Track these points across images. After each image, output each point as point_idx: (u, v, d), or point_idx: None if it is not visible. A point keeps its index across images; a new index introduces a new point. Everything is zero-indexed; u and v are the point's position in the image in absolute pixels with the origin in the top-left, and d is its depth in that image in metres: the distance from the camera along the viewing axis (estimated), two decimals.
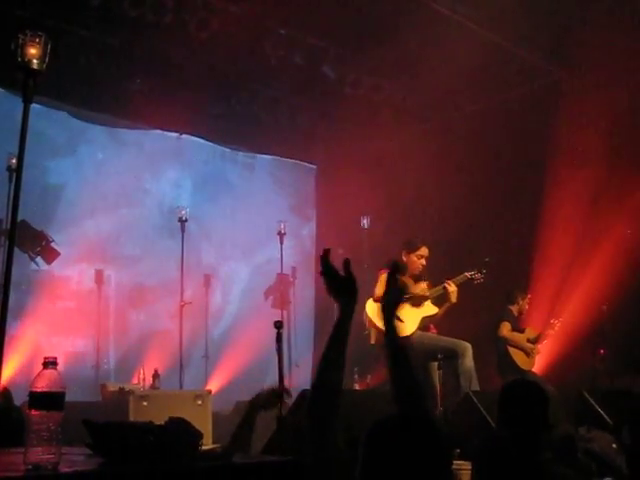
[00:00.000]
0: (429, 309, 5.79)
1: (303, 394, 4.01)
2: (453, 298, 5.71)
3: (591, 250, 7.61)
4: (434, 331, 5.92)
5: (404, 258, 5.90)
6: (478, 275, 5.96)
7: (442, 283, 5.80)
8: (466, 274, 5.93)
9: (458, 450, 3.99)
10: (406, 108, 8.25)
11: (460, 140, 8.18)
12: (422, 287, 5.83)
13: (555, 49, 7.14)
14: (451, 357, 5.51)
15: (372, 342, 5.63)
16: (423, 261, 5.90)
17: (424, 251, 5.91)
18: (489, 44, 6.91)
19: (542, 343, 7.07)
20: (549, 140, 7.71)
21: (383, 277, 5.74)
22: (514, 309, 7.15)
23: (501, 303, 7.13)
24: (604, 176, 7.44)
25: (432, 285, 5.91)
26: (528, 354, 6.98)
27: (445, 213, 7.91)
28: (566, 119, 7.59)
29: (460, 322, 6.14)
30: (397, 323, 2.34)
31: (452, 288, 5.72)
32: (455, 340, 5.65)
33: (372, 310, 5.63)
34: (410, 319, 5.64)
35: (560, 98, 7.69)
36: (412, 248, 5.91)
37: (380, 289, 5.70)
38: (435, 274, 6.04)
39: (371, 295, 5.67)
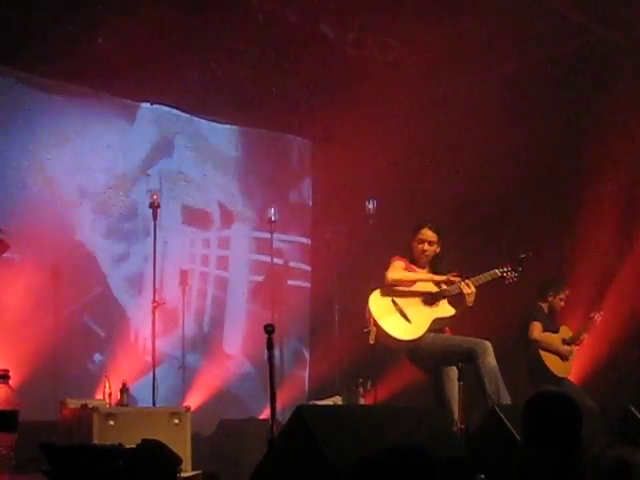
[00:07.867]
0: (444, 310, 5.72)
1: (299, 411, 4.01)
2: (469, 301, 5.65)
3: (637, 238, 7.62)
4: (449, 333, 5.87)
5: (412, 244, 5.91)
6: (510, 274, 5.81)
7: (460, 280, 5.72)
8: (496, 271, 5.81)
9: (483, 476, 4.00)
10: (421, 72, 8.18)
11: (489, 105, 7.85)
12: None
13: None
14: (470, 359, 5.47)
15: (371, 342, 5.64)
16: (425, 246, 5.84)
17: (425, 234, 5.85)
18: None
19: (581, 343, 7.07)
20: (600, 106, 7.60)
21: (396, 263, 5.79)
22: (544, 306, 7.17)
23: (531, 297, 7.11)
24: None
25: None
26: (564, 358, 6.99)
27: (467, 196, 7.88)
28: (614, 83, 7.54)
29: (480, 322, 6.07)
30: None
31: (469, 290, 5.65)
32: (472, 339, 5.62)
33: (376, 307, 5.65)
34: (419, 319, 5.64)
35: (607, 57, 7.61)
36: (413, 232, 5.90)
37: (391, 274, 5.71)
38: (457, 266, 5.96)
39: (379, 283, 5.71)
